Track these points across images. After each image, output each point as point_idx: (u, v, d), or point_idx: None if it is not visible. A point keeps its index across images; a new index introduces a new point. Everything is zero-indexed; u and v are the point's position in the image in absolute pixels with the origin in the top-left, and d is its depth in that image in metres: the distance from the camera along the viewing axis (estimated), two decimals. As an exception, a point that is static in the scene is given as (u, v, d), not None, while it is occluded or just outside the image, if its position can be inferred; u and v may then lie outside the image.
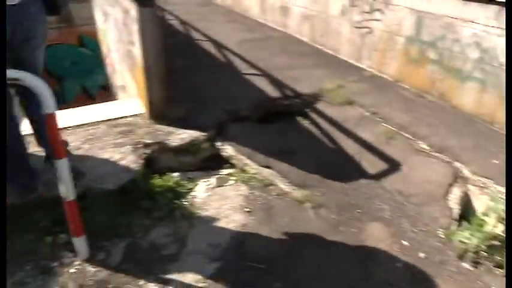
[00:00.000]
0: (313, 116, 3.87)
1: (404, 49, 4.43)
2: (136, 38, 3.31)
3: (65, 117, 3.57)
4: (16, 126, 2.73)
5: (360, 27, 5.04)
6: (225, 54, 5.54)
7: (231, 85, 4.38)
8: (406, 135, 3.51)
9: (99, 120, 3.59)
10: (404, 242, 2.55)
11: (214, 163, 3.27)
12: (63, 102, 10.53)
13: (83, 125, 3.56)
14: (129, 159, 3.01)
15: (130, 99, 4.25)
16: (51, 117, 1.98)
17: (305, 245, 2.45)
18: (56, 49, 10.24)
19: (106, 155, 3.08)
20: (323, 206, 2.76)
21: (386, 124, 3.69)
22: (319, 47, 5.84)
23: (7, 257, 2.42)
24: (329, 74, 4.76)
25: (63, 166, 2.08)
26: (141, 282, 2.18)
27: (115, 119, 3.60)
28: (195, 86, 4.28)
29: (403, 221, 2.73)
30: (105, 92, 10.25)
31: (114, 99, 7.72)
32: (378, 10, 4.67)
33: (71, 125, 3.51)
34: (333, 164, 3.24)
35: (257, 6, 7.90)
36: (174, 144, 3.16)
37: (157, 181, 2.96)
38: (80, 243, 2.32)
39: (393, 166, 3.22)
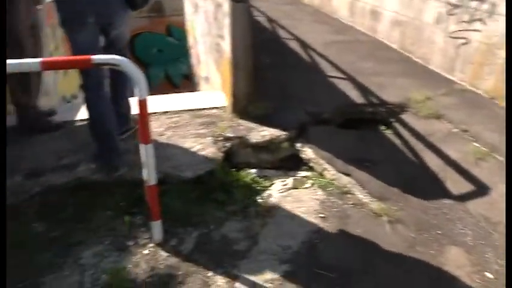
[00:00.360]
0: (397, 126, 3.71)
1: (504, 64, 4.12)
2: (226, 32, 3.36)
3: (151, 103, 3.71)
4: (106, 103, 2.92)
5: (455, 37, 4.76)
6: (311, 54, 5.48)
7: (315, 86, 4.32)
8: (499, 157, 3.26)
9: (183, 109, 3.71)
10: (488, 274, 2.37)
11: (292, 164, 3.24)
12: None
13: (167, 112, 3.68)
14: (208, 150, 3.07)
15: (214, 92, 4.34)
16: (143, 103, 2.05)
17: (379, 260, 2.35)
18: (144, 37, 10.75)
19: (187, 144, 3.16)
20: (401, 222, 2.64)
21: (477, 143, 3.46)
22: (408, 54, 5.61)
23: (89, 228, 2.57)
24: (417, 84, 4.55)
25: (149, 151, 2.15)
26: (210, 274, 2.20)
27: (198, 109, 3.69)
28: (279, 84, 4.28)
29: (488, 250, 2.54)
30: (188, 82, 10.61)
31: (196, 89, 7.96)
32: (479, 20, 4.38)
33: (156, 111, 3.64)
34: (414, 179, 3.08)
35: (346, 8, 7.75)
36: (254, 140, 3.17)
37: (234, 175, 2.99)
38: (156, 227, 2.39)
39: (481, 189, 3.00)
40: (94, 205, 2.75)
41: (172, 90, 10.97)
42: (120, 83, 3.11)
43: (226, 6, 3.24)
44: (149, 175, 2.22)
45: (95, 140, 2.97)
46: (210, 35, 4.90)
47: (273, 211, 2.68)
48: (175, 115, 3.58)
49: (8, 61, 2.22)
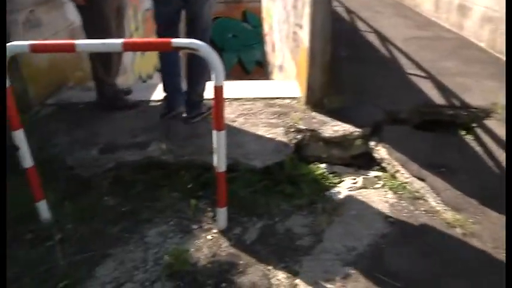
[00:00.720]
0: (479, 132, 3.48)
1: None
2: (305, 21, 3.30)
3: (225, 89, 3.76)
4: (174, 55, 3.24)
5: (554, 40, 4.36)
6: (390, 49, 5.27)
7: (392, 83, 4.15)
8: None
9: (256, 97, 3.70)
10: None
11: (363, 162, 3.15)
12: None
13: (241, 99, 3.69)
14: (279, 140, 3.05)
15: (288, 81, 4.30)
16: (219, 89, 2.06)
17: (448, 275, 2.22)
18: (220, 22, 10.88)
19: (258, 132, 3.15)
20: (476, 236, 2.47)
21: None
22: (499, 55, 5.22)
23: (156, 207, 2.64)
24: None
25: (221, 138, 2.16)
26: (270, 267, 2.18)
27: (272, 98, 3.67)
28: (356, 79, 4.15)
29: None
30: (260, 69, 10.64)
31: (269, 78, 7.96)
32: None
33: (229, 97, 3.66)
34: (495, 190, 2.87)
35: (430, 1, 7.36)
36: (326, 134, 3.11)
37: (303, 168, 2.96)
38: (221, 213, 2.42)
39: None
40: (163, 185, 2.83)
41: (244, 77, 11.09)
42: (197, 66, 3.19)
43: (307, -5, 3.17)
44: (219, 161, 2.24)
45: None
46: (287, 23, 4.85)
47: (340, 209, 2.62)
48: (249, 102, 3.59)
49: (92, 41, 2.33)
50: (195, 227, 2.48)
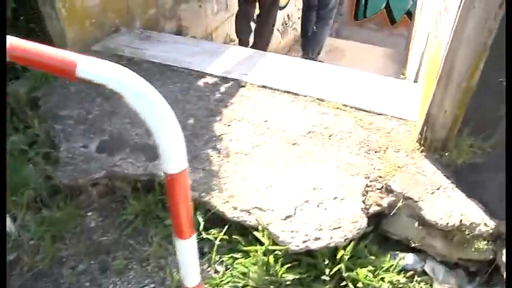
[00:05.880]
0: None
1: None
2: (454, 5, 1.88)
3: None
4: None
5: None
6: None
7: None
8: None
9: (346, 104, 2.45)
10: None
11: (480, 268, 1.86)
12: (364, 16, 9.51)
13: (323, 101, 2.50)
14: (349, 202, 1.86)
15: (410, 85, 2.90)
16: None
17: None
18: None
19: (321, 174, 1.99)
20: None
21: None
22: None
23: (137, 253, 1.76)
24: None
25: (186, 249, 1.11)
26: None
27: (370, 112, 2.38)
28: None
29: None
30: (408, 20, 8.78)
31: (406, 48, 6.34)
32: None
33: (308, 94, 2.49)
34: None
35: None
36: (431, 217, 1.77)
37: (369, 261, 1.78)
38: None
39: None
40: (160, 218, 1.92)
41: (387, 28, 9.30)
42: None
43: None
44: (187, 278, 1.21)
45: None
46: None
47: None
48: (332, 111, 2.36)
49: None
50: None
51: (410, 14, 8.68)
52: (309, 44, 4.60)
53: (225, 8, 4.85)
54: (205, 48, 2.97)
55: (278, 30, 6.15)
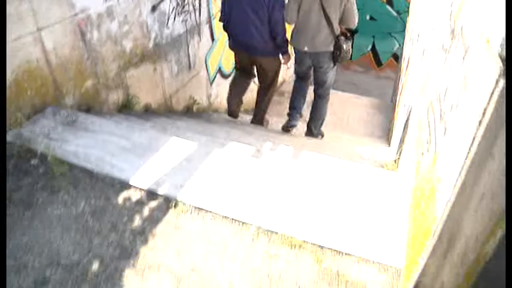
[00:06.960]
0: None
1: None
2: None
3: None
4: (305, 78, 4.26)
5: None
6: None
7: None
8: None
9: (307, 240, 1.85)
10: None
11: None
12: (351, 58, 9.07)
13: (275, 233, 1.89)
14: None
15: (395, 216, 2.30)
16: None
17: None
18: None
19: None
20: None
21: None
22: None
23: None
24: None
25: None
26: None
27: (341, 253, 1.78)
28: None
29: None
30: (394, 63, 8.35)
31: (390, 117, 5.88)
32: None
33: (250, 222, 1.88)
34: None
35: None
36: None
37: None
38: None
39: None
40: None
41: (373, 70, 8.86)
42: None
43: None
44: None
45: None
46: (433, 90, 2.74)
47: None
48: (285, 249, 1.76)
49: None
50: None
51: (396, 57, 8.26)
52: (311, 122, 4.46)
53: (187, 67, 4.30)
54: (136, 143, 2.37)
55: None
